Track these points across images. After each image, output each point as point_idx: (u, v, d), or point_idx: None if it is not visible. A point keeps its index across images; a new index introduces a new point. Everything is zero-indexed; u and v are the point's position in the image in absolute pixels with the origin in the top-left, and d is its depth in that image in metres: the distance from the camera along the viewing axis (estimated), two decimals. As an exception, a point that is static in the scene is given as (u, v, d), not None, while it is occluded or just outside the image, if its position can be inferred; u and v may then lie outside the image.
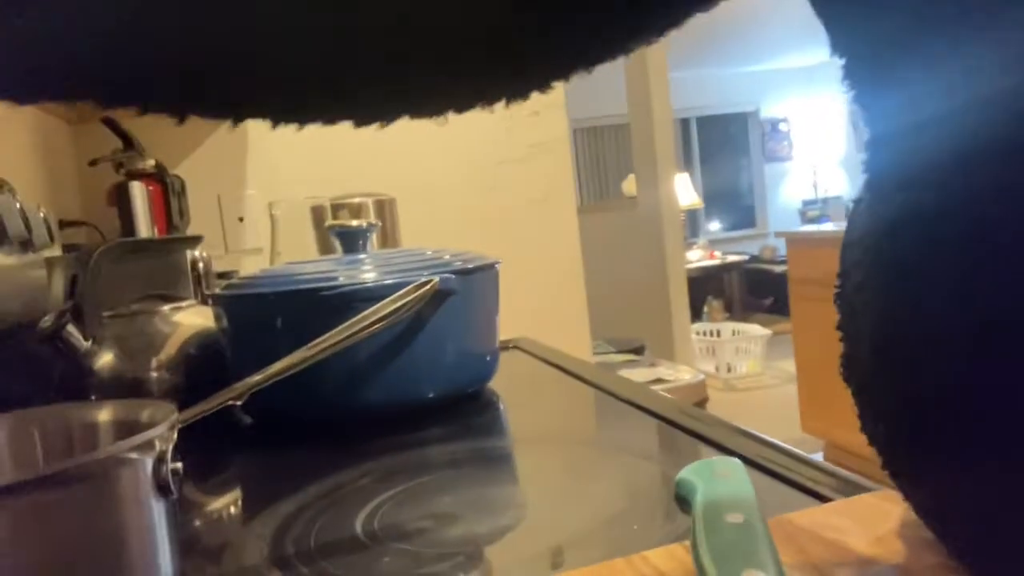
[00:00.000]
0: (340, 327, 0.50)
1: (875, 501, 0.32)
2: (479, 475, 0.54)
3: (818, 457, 0.44)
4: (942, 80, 0.23)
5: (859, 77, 0.25)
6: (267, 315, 0.63)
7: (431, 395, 0.65)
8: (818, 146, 7.01)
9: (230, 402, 0.44)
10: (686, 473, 0.32)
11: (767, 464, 0.44)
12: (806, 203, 6.84)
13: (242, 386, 0.45)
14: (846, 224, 0.28)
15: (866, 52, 0.25)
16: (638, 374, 2.50)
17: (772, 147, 7.19)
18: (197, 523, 0.49)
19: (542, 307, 1.58)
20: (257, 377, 0.46)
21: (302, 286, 0.61)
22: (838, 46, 0.26)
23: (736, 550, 0.24)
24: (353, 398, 0.62)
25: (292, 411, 0.64)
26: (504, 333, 1.04)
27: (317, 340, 0.49)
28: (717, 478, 0.31)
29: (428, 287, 0.53)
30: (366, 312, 0.52)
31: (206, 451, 0.65)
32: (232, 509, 0.53)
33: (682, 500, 0.31)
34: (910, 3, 0.23)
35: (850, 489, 0.38)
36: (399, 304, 0.52)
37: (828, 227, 3.37)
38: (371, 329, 0.51)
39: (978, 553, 0.25)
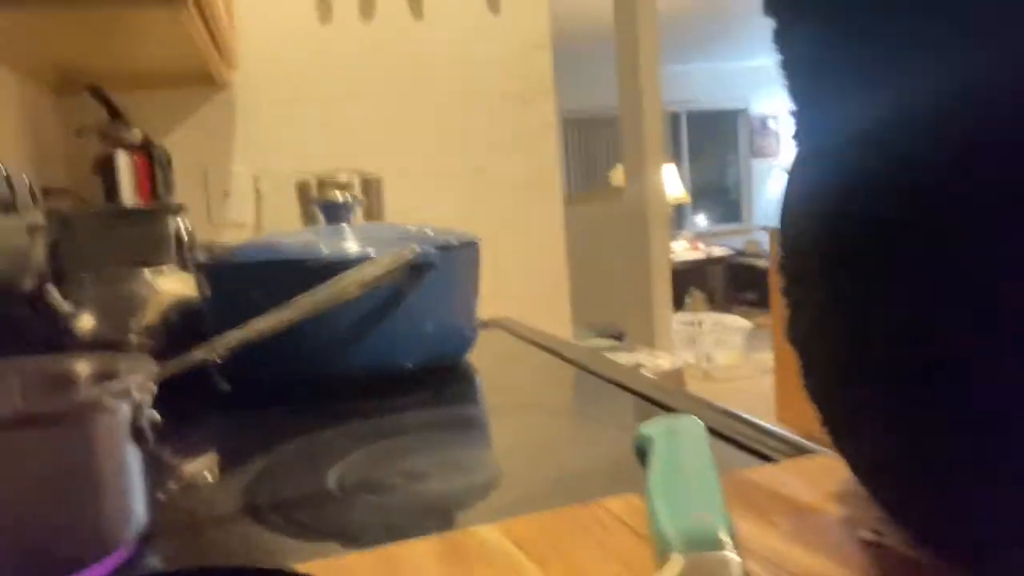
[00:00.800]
0: (318, 289, 0.51)
1: (827, 461, 0.34)
2: (452, 438, 0.55)
3: (792, 435, 0.45)
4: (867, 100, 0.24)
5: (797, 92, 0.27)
6: (249, 284, 0.64)
7: (410, 364, 0.66)
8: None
9: (209, 358, 0.45)
10: (645, 428, 0.33)
11: (738, 437, 0.45)
12: (792, 200, 6.86)
13: (221, 342, 0.46)
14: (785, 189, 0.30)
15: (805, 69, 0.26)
16: (618, 359, 2.52)
17: (760, 143, 7.22)
18: (172, 478, 0.50)
19: (525, 290, 1.59)
20: (237, 334, 0.47)
21: (283, 256, 0.62)
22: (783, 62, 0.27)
23: (687, 496, 0.26)
24: (333, 364, 0.63)
25: (273, 376, 0.65)
26: (486, 313, 1.05)
27: (295, 300, 0.50)
28: (675, 433, 0.32)
29: (407, 254, 0.54)
30: (345, 276, 0.53)
31: (185, 414, 0.66)
32: (208, 464, 0.54)
33: (641, 453, 0.32)
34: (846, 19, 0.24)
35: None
36: (378, 272, 0.53)
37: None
38: (350, 294, 0.52)
39: (904, 506, 0.26)
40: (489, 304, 1.03)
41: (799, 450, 0.43)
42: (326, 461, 0.47)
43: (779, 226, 0.29)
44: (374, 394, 0.62)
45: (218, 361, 0.46)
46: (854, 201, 0.24)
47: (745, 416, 0.50)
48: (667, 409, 0.54)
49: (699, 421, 0.34)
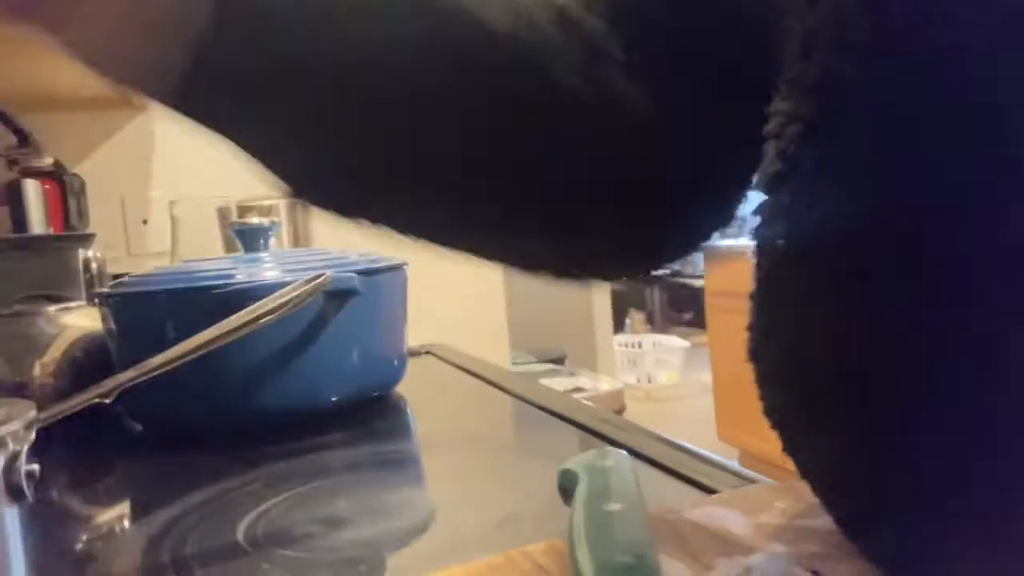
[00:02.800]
0: (224, 322, 0.47)
1: (761, 492, 0.32)
2: (378, 479, 0.52)
3: (733, 464, 0.44)
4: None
5: None
6: (156, 315, 0.60)
7: (333, 399, 0.63)
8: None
9: (97, 400, 0.41)
10: (570, 464, 0.31)
11: (677, 468, 0.43)
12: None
13: (112, 383, 0.42)
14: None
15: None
16: (558, 383, 2.50)
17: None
18: (68, 530, 0.45)
19: (461, 315, 1.56)
20: (129, 373, 0.43)
21: (192, 284, 0.58)
22: None
23: (611, 538, 0.24)
24: (250, 402, 0.59)
25: (185, 416, 0.61)
26: (421, 340, 1.02)
27: (198, 336, 0.46)
28: (601, 470, 0.30)
29: (319, 280, 0.51)
30: (252, 307, 0.49)
31: (89, 459, 0.61)
32: (109, 516, 0.49)
33: (565, 491, 0.30)
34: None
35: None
36: (287, 299, 0.50)
37: (745, 241, 3.46)
38: (257, 324, 0.48)
39: (859, 519, 0.25)
40: (424, 330, 1.00)
41: (738, 478, 0.41)
42: (238, 510, 0.44)
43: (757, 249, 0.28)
44: (295, 433, 0.59)
45: (107, 402, 0.42)
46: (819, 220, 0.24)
47: (683, 444, 0.49)
48: (605, 439, 0.52)
49: (626, 455, 0.32)
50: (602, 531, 0.24)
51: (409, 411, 0.69)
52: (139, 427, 0.66)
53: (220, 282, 0.57)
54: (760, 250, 0.26)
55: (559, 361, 3.03)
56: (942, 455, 0.21)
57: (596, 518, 0.25)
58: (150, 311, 0.60)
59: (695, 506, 0.30)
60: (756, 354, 0.27)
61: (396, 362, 0.70)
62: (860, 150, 0.23)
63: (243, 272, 0.59)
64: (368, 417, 0.64)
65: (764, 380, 0.27)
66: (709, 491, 0.39)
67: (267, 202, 1.05)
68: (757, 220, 0.26)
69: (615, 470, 0.29)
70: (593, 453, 0.32)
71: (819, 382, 0.24)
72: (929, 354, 0.21)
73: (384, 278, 0.66)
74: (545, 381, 2.50)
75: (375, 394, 0.68)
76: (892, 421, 0.22)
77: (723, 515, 0.29)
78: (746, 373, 0.27)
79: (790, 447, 0.27)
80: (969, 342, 0.21)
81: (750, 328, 0.28)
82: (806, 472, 0.27)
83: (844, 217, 0.23)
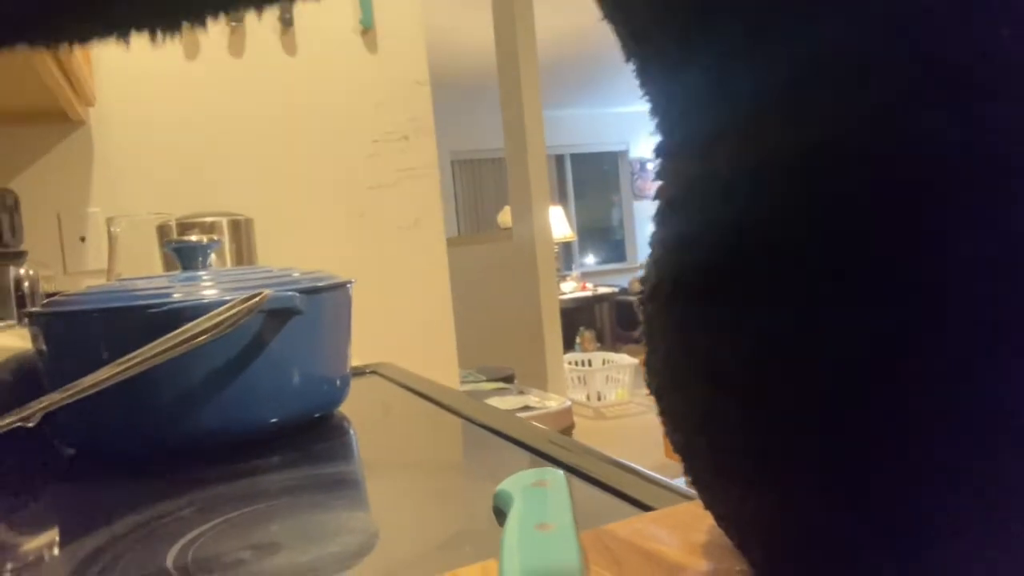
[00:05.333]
0: (157, 342, 0.46)
1: (695, 509, 0.32)
2: (316, 502, 0.51)
3: (679, 482, 0.44)
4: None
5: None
6: (89, 335, 0.58)
7: (273, 421, 0.61)
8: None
9: (19, 424, 0.39)
10: (504, 485, 0.31)
11: (620, 487, 0.43)
12: (673, 239, 7.13)
13: (36, 405, 0.40)
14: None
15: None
16: (506, 402, 2.50)
17: (640, 185, 7.49)
18: (-13, 565, 0.43)
19: (410, 334, 1.55)
20: (54, 396, 0.42)
21: (128, 303, 0.56)
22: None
23: (542, 559, 0.24)
24: (185, 425, 0.58)
25: (117, 440, 0.59)
26: (368, 359, 1.01)
27: (129, 356, 0.45)
28: (535, 489, 0.30)
29: (257, 299, 0.50)
30: (187, 326, 0.48)
31: (16, 484, 0.59)
32: (36, 543, 0.47)
33: (499, 513, 0.30)
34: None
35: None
36: (223, 318, 0.49)
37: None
38: (192, 343, 0.47)
39: (767, 560, 0.25)
40: (371, 350, 0.99)
41: (680, 496, 0.42)
42: (168, 536, 0.42)
43: (641, 287, 0.28)
44: (232, 456, 0.57)
45: (31, 426, 0.40)
46: (707, 244, 0.24)
47: (626, 463, 0.49)
48: (550, 459, 0.52)
49: (562, 474, 0.32)
50: (533, 552, 0.24)
51: (352, 432, 0.68)
52: (71, 451, 0.63)
53: (156, 301, 0.56)
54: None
55: (508, 379, 3.03)
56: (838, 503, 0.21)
57: (527, 539, 0.25)
58: (82, 331, 0.58)
59: (628, 524, 0.30)
60: (660, 393, 0.28)
61: (339, 382, 0.69)
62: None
63: (180, 291, 0.58)
64: (309, 439, 0.63)
65: (668, 420, 0.27)
66: (650, 510, 0.40)
67: (209, 220, 1.03)
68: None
69: (550, 489, 0.29)
70: (528, 472, 0.32)
71: (729, 426, 0.24)
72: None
73: (327, 296, 0.65)
74: (494, 400, 2.50)
75: (317, 415, 0.67)
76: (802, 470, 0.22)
77: (654, 533, 0.29)
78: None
79: (697, 489, 0.27)
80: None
81: (646, 364, 0.28)
82: (711, 512, 0.27)
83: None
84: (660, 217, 0.27)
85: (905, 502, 0.20)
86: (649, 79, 0.27)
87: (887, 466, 0.20)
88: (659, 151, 0.27)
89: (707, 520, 0.29)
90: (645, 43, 0.26)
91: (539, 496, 0.29)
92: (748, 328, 0.23)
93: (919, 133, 0.20)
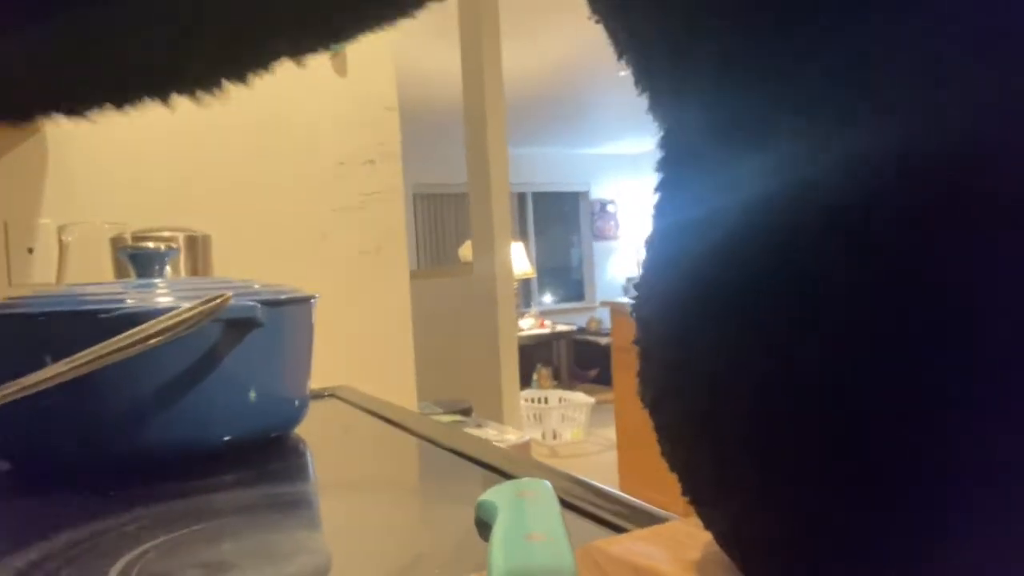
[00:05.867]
0: (104, 343, 0.43)
1: (683, 527, 0.31)
2: (270, 522, 0.48)
3: (645, 504, 0.43)
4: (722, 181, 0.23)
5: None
6: (33, 342, 0.55)
7: (226, 438, 0.58)
8: (642, 228, 7.46)
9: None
10: (488, 495, 0.29)
11: (588, 507, 0.42)
12: (630, 280, 7.21)
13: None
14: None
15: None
16: (464, 436, 2.47)
17: (600, 226, 7.57)
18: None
19: (369, 358, 1.52)
20: (-7, 394, 0.39)
21: (77, 307, 0.53)
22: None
23: (533, 571, 0.22)
24: (131, 437, 0.54)
25: (57, 451, 0.55)
26: (325, 382, 0.98)
27: (74, 356, 0.42)
28: (521, 499, 0.28)
29: (216, 303, 0.48)
30: (138, 328, 0.45)
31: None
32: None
33: (482, 525, 0.28)
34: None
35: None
36: (178, 320, 0.46)
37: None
38: (142, 346, 0.44)
39: None
40: (329, 372, 0.96)
41: (647, 516, 0.40)
42: (111, 554, 0.39)
43: (636, 291, 0.27)
44: (181, 472, 0.54)
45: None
46: (718, 265, 0.23)
47: (593, 484, 0.47)
48: (513, 478, 0.50)
49: (547, 484, 0.30)
50: (524, 564, 0.22)
51: (308, 453, 0.65)
52: (7, 465, 0.59)
53: (107, 306, 0.53)
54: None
55: (466, 412, 3.00)
56: (868, 522, 0.20)
57: (517, 551, 0.23)
58: (27, 337, 0.55)
59: (618, 541, 0.29)
60: (656, 405, 0.27)
61: (297, 402, 0.66)
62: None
63: (134, 296, 0.55)
64: (264, 458, 0.60)
65: (666, 433, 0.26)
66: (621, 531, 0.38)
67: (165, 234, 1.00)
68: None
69: (537, 500, 0.28)
70: (513, 483, 0.30)
71: (733, 438, 0.23)
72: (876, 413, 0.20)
73: (290, 310, 0.62)
74: (451, 433, 2.46)
75: (273, 435, 0.64)
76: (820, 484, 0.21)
77: (646, 550, 0.28)
78: (650, 430, 0.26)
79: (695, 502, 0.26)
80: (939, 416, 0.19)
81: (640, 375, 0.27)
82: (712, 529, 0.26)
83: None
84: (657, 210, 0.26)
85: (915, 518, 0.20)
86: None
87: (897, 484, 0.19)
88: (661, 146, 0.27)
89: (700, 538, 0.28)
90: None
91: (525, 506, 0.27)
92: (751, 337, 0.22)
93: None
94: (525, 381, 4.61)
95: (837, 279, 0.20)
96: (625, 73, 0.28)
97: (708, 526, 0.26)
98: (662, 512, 0.39)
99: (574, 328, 6.22)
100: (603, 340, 5.62)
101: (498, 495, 0.28)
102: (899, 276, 0.19)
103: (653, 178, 0.27)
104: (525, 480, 0.31)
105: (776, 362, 0.21)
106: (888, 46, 0.19)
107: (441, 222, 6.77)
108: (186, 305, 0.52)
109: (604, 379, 5.02)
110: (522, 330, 5.37)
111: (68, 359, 0.41)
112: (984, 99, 0.18)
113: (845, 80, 0.20)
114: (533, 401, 4.29)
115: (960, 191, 0.18)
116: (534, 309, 6.54)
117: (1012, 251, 0.18)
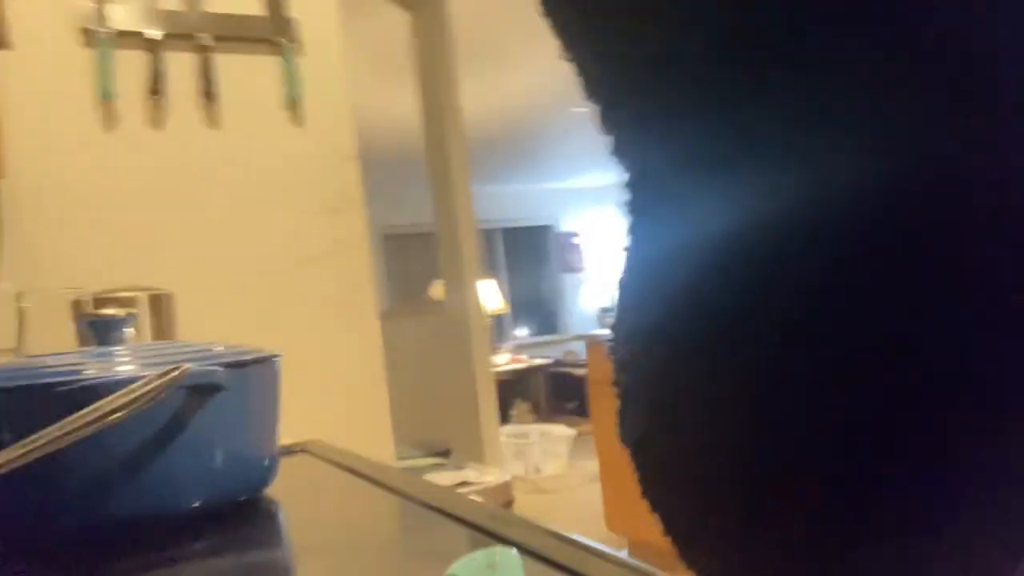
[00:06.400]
0: (66, 420, 0.42)
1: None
2: (242, 592, 0.47)
3: (623, 554, 0.43)
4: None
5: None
6: (-10, 418, 0.53)
7: (195, 505, 0.57)
8: (608, 259, 7.52)
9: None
10: (455, 568, 0.28)
11: (568, 563, 0.41)
12: (603, 310, 7.24)
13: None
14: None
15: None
16: (444, 477, 2.44)
17: (568, 258, 7.62)
18: None
19: (343, 410, 1.50)
20: (-57, 484, 0.38)
21: (35, 380, 0.52)
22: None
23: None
24: (98, 511, 0.53)
25: (22, 530, 0.54)
26: (295, 437, 0.96)
27: (34, 437, 0.41)
28: (488, 571, 0.27)
29: (176, 374, 0.47)
30: (99, 404, 0.44)
31: None
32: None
33: (450, 596, 0.27)
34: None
35: None
36: (138, 394, 0.45)
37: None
38: (105, 422, 0.43)
39: None
40: (302, 427, 0.95)
41: (629, 570, 0.40)
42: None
43: (612, 333, 0.27)
44: (151, 543, 0.53)
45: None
46: (705, 295, 0.23)
47: (573, 537, 0.47)
48: (493, 536, 0.50)
49: (515, 552, 0.29)
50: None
51: (281, 515, 0.64)
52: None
53: (66, 378, 0.52)
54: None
55: (445, 454, 2.97)
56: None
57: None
58: (-19, 414, 0.54)
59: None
60: (640, 447, 0.26)
61: (266, 462, 0.65)
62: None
63: (93, 367, 0.54)
64: (234, 523, 0.59)
65: (649, 474, 0.26)
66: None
67: (127, 294, 0.98)
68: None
69: (502, 571, 0.27)
70: (480, 553, 0.30)
71: (725, 476, 0.23)
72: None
73: (253, 371, 0.62)
74: (432, 476, 2.43)
75: (243, 498, 0.62)
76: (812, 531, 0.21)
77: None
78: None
79: (679, 545, 0.26)
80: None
81: (621, 417, 0.27)
82: (696, 569, 0.26)
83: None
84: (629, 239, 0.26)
85: (908, 567, 0.19)
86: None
87: (891, 530, 0.19)
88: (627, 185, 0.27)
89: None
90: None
91: None
92: (743, 366, 0.22)
93: None
94: (504, 417, 4.59)
95: (824, 305, 0.20)
96: (583, 110, 0.28)
97: (692, 567, 0.26)
98: (639, 563, 0.39)
99: (550, 361, 6.22)
100: (579, 371, 5.62)
101: (464, 568, 0.28)
102: (880, 308, 0.19)
103: (620, 216, 0.27)
104: (491, 550, 0.31)
105: (771, 390, 0.21)
106: (838, 93, 0.20)
107: (408, 262, 6.76)
108: (147, 374, 0.52)
109: (583, 411, 5.02)
110: (498, 366, 5.35)
111: (24, 442, 0.40)
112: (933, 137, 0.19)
113: (794, 118, 0.20)
114: (514, 436, 4.26)
115: (916, 220, 0.19)
116: (509, 344, 6.53)
117: (970, 282, 0.18)
